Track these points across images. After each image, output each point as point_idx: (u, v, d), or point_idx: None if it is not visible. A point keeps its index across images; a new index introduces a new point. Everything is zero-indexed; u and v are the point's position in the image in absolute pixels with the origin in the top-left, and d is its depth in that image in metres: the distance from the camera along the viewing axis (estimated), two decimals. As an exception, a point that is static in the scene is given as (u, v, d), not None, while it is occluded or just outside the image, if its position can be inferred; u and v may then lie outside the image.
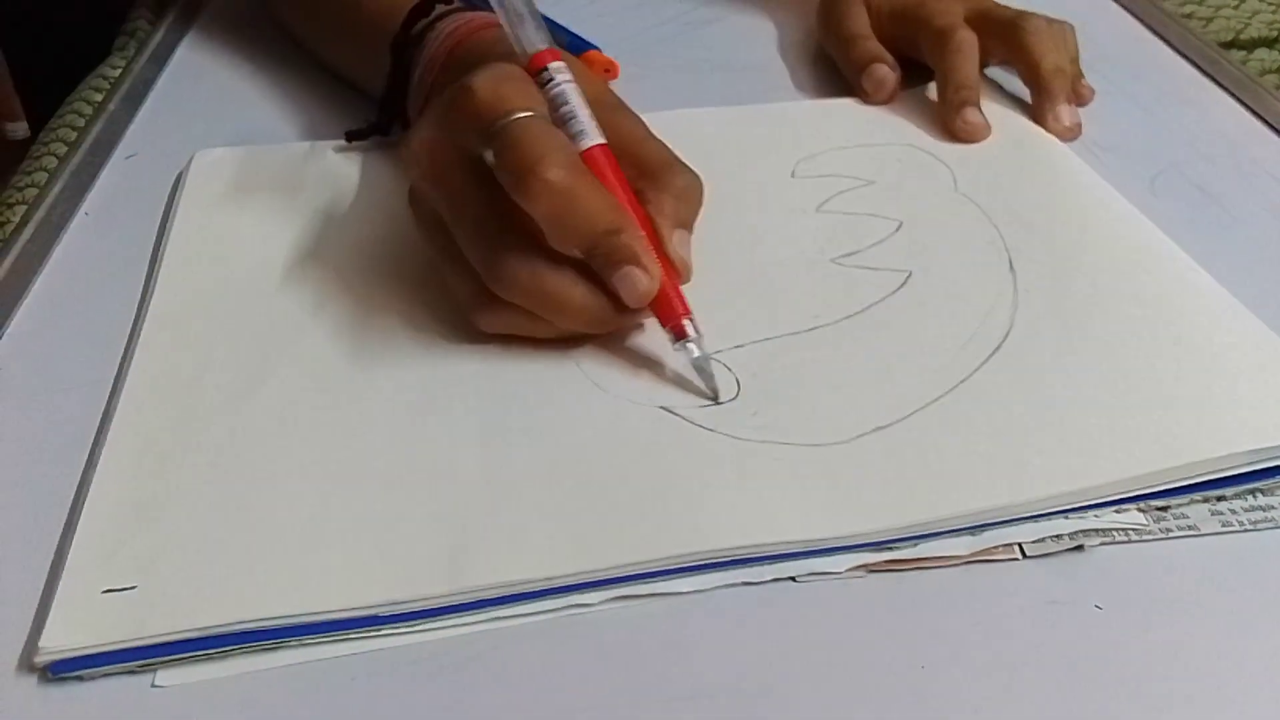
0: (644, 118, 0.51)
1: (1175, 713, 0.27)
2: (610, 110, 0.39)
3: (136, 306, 0.40)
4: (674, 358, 0.36)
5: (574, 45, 0.56)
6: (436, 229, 0.37)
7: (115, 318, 0.40)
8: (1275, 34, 0.60)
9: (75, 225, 0.46)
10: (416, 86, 0.45)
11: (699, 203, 0.39)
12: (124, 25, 0.63)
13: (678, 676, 0.28)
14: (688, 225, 0.38)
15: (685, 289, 0.37)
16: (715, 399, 0.35)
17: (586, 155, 0.36)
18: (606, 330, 0.37)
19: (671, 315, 0.35)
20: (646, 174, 0.38)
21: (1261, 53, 0.59)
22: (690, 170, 0.39)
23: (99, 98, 0.55)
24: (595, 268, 0.35)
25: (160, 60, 0.59)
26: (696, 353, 0.35)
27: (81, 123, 0.54)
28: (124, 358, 0.38)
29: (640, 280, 0.34)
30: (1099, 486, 0.31)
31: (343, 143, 0.48)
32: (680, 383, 0.36)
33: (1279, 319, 0.37)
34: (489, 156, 0.34)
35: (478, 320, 0.36)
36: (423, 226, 0.38)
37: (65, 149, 0.52)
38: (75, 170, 0.49)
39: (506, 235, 0.35)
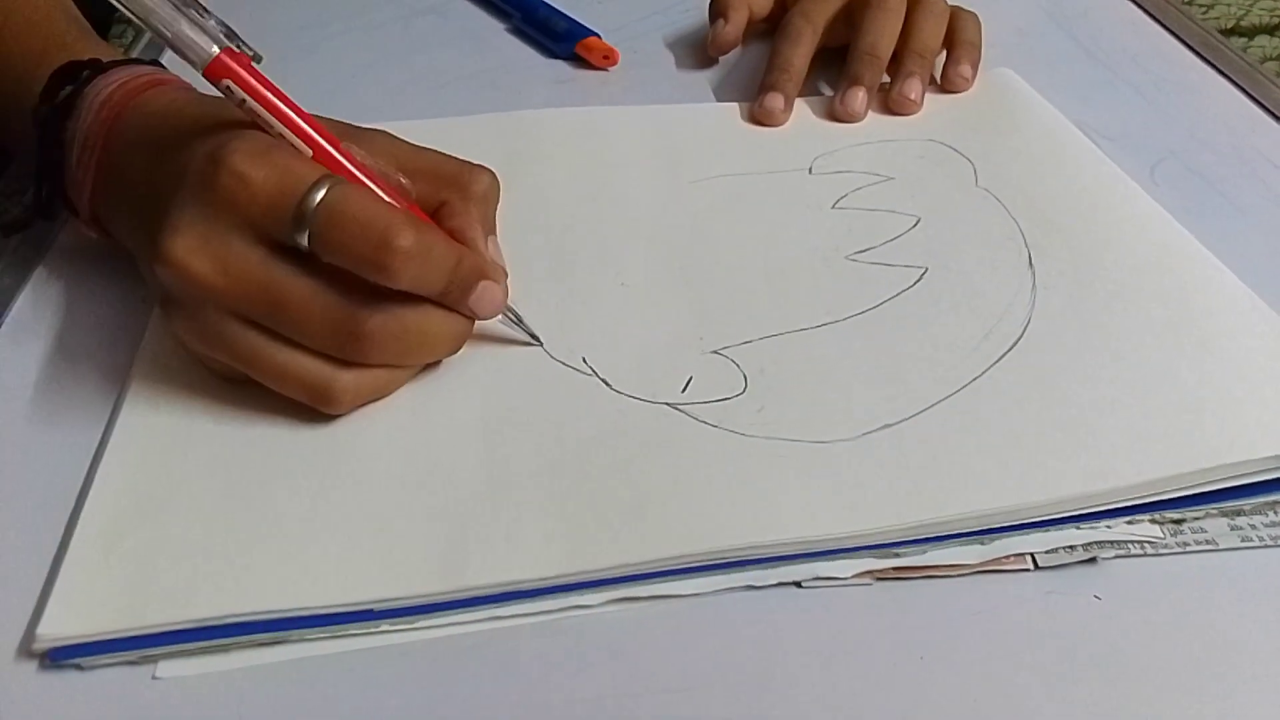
0: (651, 110, 0.49)
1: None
2: (348, 133, 0.36)
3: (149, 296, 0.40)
4: (684, 355, 0.36)
5: (573, 32, 0.55)
6: (241, 338, 0.33)
7: (121, 308, 0.40)
8: (1276, 21, 0.59)
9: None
10: (75, 167, 0.37)
11: (497, 198, 0.38)
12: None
13: (676, 680, 0.28)
14: (492, 227, 0.38)
15: (697, 289, 0.37)
16: (537, 339, 0.37)
17: (347, 163, 0.33)
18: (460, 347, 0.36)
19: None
20: (447, 183, 0.36)
21: (1262, 40, 0.59)
22: (484, 169, 0.37)
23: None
24: (449, 301, 0.34)
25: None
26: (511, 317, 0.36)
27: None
28: (134, 348, 0.38)
29: (496, 293, 0.34)
30: (1111, 490, 0.30)
31: None
32: (687, 379, 0.35)
33: (1278, 307, 0.37)
34: (302, 240, 0.31)
35: (336, 401, 0.33)
36: (220, 340, 0.33)
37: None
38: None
39: (346, 301, 0.32)
